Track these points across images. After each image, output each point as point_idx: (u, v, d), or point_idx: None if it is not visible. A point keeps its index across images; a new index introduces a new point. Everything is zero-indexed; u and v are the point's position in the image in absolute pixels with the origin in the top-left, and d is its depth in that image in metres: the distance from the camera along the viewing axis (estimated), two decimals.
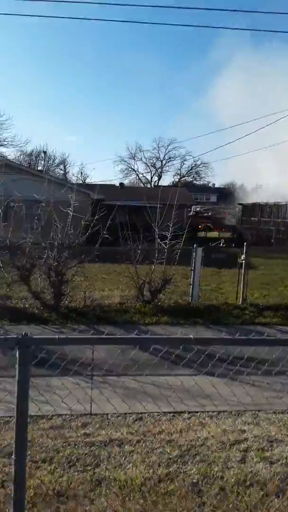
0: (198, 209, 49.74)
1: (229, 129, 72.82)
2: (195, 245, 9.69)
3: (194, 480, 3.37)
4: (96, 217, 9.03)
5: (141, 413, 4.52)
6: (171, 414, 4.60)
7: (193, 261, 9.68)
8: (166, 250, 9.23)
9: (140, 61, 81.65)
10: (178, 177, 66.96)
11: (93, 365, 5.98)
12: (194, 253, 9.67)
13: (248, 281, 11.01)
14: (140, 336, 3.47)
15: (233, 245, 12.28)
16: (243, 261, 10.12)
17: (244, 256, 10.13)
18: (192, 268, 9.68)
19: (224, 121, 78.50)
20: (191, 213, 44.23)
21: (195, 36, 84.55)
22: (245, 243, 10.25)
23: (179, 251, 9.43)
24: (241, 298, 10.04)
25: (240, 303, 9.96)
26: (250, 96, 66.73)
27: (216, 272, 14.01)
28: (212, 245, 11.56)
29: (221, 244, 12.66)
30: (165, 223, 9.97)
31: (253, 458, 3.77)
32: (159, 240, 9.23)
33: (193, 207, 49.54)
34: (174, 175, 67.31)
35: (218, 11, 65.23)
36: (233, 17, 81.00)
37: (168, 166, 65.27)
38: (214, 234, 32.52)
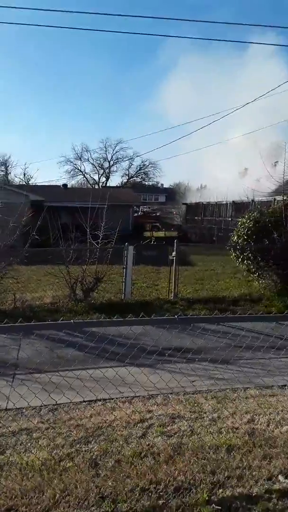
0: (146, 209, 50.65)
1: (178, 130, 74.34)
2: (126, 244, 10.02)
3: (93, 456, 3.64)
4: (24, 218, 9.11)
5: (56, 404, 4.71)
6: (85, 403, 4.84)
7: (125, 259, 10.00)
8: (98, 250, 9.50)
9: (86, 62, 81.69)
10: (127, 177, 67.51)
11: (16, 363, 6.13)
12: (125, 251, 9.99)
13: (179, 276, 11.52)
14: (34, 323, 3.69)
15: (164, 242, 12.78)
16: (174, 257, 10.58)
17: (174, 253, 10.60)
18: (124, 266, 10.00)
19: (173, 123, 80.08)
20: (139, 213, 44.98)
21: (142, 39, 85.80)
22: (175, 241, 10.73)
23: (111, 250, 9.74)
24: (173, 293, 10.49)
25: (172, 298, 10.41)
26: (197, 97, 68.59)
27: (155, 270, 14.46)
28: (143, 243, 11.96)
29: (152, 242, 13.14)
30: (109, 224, 10.26)
31: (153, 433, 4.10)
32: (90, 239, 9.47)
33: (141, 207, 50.31)
34: (122, 176, 67.83)
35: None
36: (179, 22, 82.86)
37: (116, 166, 65.66)
38: (161, 233, 33.27)
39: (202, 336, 7.01)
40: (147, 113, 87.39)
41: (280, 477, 3.34)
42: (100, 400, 4.93)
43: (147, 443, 3.91)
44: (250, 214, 10.79)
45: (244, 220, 10.68)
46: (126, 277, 10.04)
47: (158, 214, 46.48)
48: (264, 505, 3.03)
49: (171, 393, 5.20)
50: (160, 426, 4.24)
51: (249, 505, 3.04)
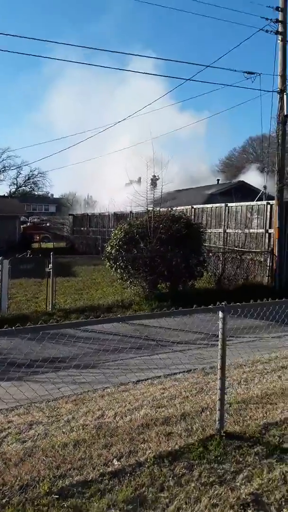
0: (35, 220, 49.47)
1: (67, 141, 74.26)
2: (0, 258, 9.97)
3: None
4: None
5: None
6: None
7: (0, 273, 9.94)
8: None
9: None
10: (15, 187, 65.36)
11: None
12: (0, 265, 9.93)
13: (60, 288, 11.79)
14: None
15: (40, 255, 12.96)
16: (50, 270, 10.82)
17: (51, 265, 10.84)
18: None
19: (61, 132, 79.93)
20: (28, 224, 43.79)
21: (26, 49, 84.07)
22: (51, 253, 10.97)
23: None
24: (50, 305, 10.70)
25: (50, 309, 10.61)
26: (83, 108, 69.58)
27: (38, 283, 14.44)
28: (19, 256, 12.00)
29: (28, 255, 13.24)
30: None
31: (8, 442, 4.34)
32: None
33: (30, 218, 49.04)
34: (10, 185, 65.45)
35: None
36: (64, 32, 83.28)
37: (4, 175, 63.17)
38: (50, 245, 32.94)
39: (71, 344, 7.40)
40: (35, 122, 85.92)
41: (115, 461, 3.86)
42: None
43: (0, 451, 4.14)
44: (121, 226, 11.55)
45: (116, 231, 11.40)
46: (2, 291, 9.97)
47: (48, 224, 45.79)
48: (96, 487, 3.51)
49: (34, 403, 5.44)
50: (16, 434, 4.49)
51: (84, 489, 3.49)
